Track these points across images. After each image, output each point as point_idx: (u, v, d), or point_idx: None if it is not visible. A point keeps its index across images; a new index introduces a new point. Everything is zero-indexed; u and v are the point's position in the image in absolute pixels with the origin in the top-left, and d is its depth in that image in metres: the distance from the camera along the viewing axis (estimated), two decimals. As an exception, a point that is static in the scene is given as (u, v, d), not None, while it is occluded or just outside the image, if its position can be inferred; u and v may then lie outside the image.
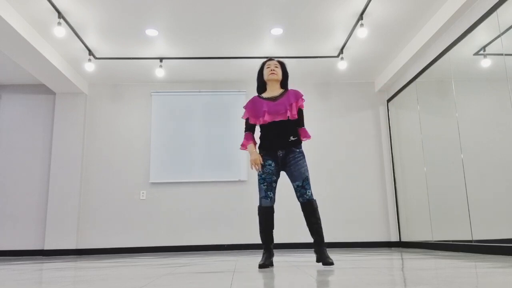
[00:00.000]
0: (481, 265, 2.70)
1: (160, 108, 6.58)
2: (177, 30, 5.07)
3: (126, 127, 6.53)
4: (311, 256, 4.25)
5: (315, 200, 2.93)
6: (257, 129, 6.22)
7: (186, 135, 6.49)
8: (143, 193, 6.31)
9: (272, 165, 2.97)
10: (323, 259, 2.81)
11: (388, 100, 6.56)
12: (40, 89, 6.66)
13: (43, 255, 6.01)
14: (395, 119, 6.35)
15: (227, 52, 5.69)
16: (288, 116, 2.96)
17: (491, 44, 3.88)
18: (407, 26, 5.04)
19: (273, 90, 3.12)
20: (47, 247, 6.00)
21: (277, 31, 5.12)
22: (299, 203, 6.30)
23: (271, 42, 5.41)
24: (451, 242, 4.68)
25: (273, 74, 3.07)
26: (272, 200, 2.96)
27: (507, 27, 3.61)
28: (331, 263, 2.75)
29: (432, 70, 5.04)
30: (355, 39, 5.39)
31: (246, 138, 3.10)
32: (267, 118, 2.97)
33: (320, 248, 2.87)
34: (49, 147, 6.45)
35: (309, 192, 2.90)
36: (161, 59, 5.78)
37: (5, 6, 4.33)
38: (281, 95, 3.07)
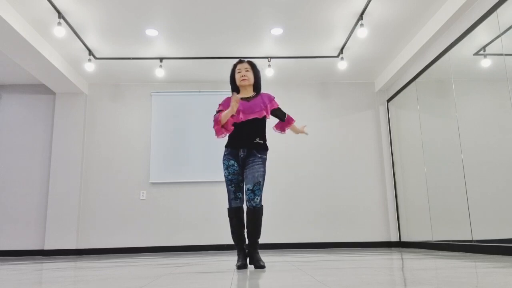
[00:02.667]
0: (481, 265, 2.70)
1: (160, 108, 6.57)
2: (177, 30, 5.07)
3: (126, 127, 6.53)
4: (311, 256, 4.26)
5: (261, 207, 2.91)
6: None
7: (186, 135, 6.48)
8: (143, 193, 6.30)
9: (235, 165, 2.98)
10: (255, 262, 2.88)
11: (388, 100, 6.56)
12: (40, 89, 6.66)
13: (43, 255, 6.01)
14: (395, 119, 6.35)
15: (227, 52, 5.69)
16: (265, 116, 3.02)
17: (491, 44, 3.88)
18: (407, 26, 5.04)
19: (246, 93, 3.14)
20: (47, 247, 6.00)
21: (277, 31, 5.12)
22: (295, 203, 6.31)
23: (271, 42, 5.41)
24: (451, 242, 4.68)
25: (244, 81, 3.07)
26: (242, 200, 3.00)
27: (507, 27, 3.61)
28: (263, 266, 2.82)
29: (432, 70, 5.04)
30: (355, 39, 5.39)
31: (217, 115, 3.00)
32: (242, 117, 2.99)
33: (253, 251, 2.93)
34: (49, 147, 6.45)
35: (257, 199, 2.87)
36: (161, 59, 5.78)
37: (5, 6, 4.33)
38: (254, 96, 3.10)
